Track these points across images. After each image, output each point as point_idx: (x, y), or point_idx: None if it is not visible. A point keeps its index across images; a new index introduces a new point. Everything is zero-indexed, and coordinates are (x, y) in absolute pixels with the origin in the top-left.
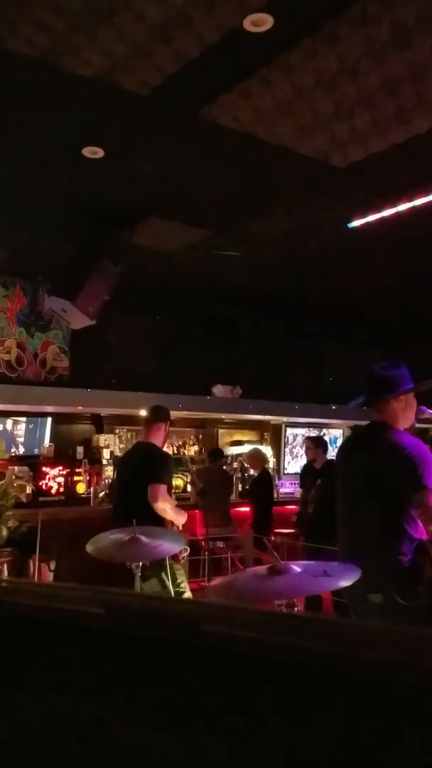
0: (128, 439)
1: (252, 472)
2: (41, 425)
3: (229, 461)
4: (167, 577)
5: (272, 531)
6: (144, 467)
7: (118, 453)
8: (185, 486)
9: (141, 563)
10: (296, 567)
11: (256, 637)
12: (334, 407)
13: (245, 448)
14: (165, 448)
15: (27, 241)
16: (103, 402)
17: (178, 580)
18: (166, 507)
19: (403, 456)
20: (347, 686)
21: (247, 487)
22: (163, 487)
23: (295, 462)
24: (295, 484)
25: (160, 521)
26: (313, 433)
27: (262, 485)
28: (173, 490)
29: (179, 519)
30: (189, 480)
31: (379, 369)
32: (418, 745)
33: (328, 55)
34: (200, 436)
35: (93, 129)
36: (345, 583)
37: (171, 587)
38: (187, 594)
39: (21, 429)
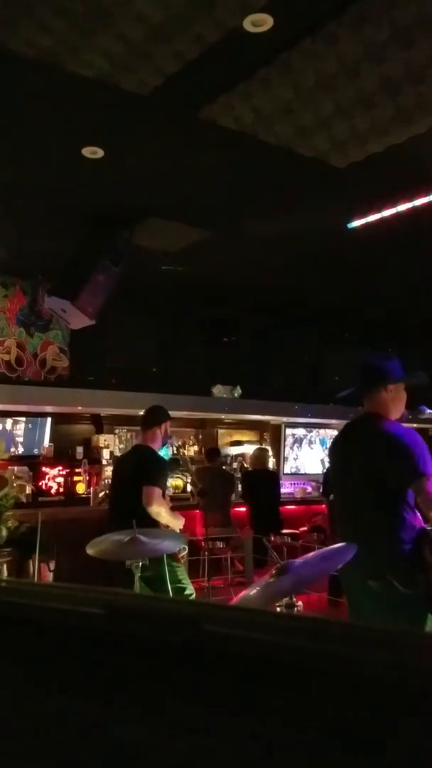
0: (128, 439)
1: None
2: (41, 425)
3: (229, 461)
4: (166, 575)
5: (273, 531)
6: (138, 470)
7: (117, 453)
8: (185, 486)
9: (141, 563)
10: (297, 562)
11: (256, 637)
12: (333, 407)
13: (245, 448)
14: (165, 449)
15: (27, 241)
16: (103, 402)
17: (179, 577)
18: (160, 510)
19: (398, 445)
20: (348, 686)
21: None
22: (157, 490)
23: (294, 462)
24: (294, 484)
25: (156, 525)
26: (313, 433)
27: (254, 484)
28: (173, 491)
29: (175, 523)
30: (189, 480)
31: (371, 359)
32: (418, 745)
33: (328, 55)
34: (200, 436)
35: (93, 129)
36: (342, 560)
37: (169, 586)
38: (189, 591)
39: (21, 429)
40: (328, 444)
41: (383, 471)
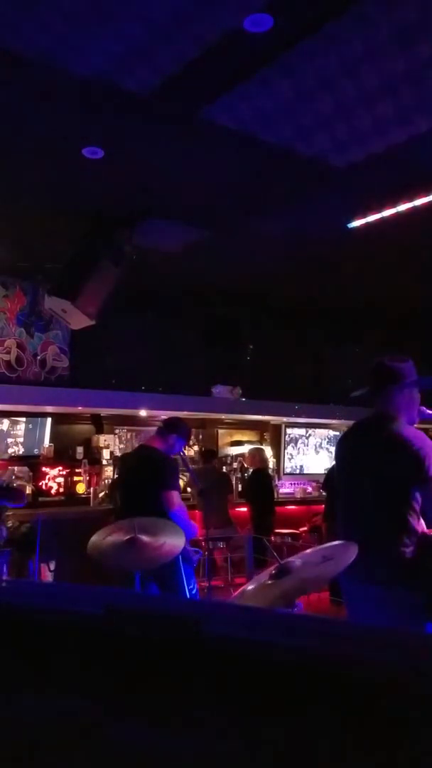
0: (128, 439)
1: (249, 469)
2: (41, 425)
3: (229, 461)
4: (183, 577)
5: (273, 531)
6: (149, 473)
7: (117, 453)
8: (185, 487)
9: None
10: (296, 561)
11: (256, 637)
12: (333, 407)
13: (245, 448)
14: None
15: (27, 241)
16: (103, 402)
17: (186, 578)
18: (182, 514)
19: (407, 448)
20: (346, 686)
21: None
22: (176, 494)
23: (295, 462)
24: (294, 484)
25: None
26: (314, 433)
27: (256, 485)
28: None
29: (190, 525)
30: (187, 481)
31: (387, 360)
32: (417, 744)
33: (328, 55)
34: (200, 436)
35: (93, 129)
36: (348, 561)
37: (186, 589)
38: (193, 592)
39: (20, 429)
40: (329, 445)
41: (392, 474)
